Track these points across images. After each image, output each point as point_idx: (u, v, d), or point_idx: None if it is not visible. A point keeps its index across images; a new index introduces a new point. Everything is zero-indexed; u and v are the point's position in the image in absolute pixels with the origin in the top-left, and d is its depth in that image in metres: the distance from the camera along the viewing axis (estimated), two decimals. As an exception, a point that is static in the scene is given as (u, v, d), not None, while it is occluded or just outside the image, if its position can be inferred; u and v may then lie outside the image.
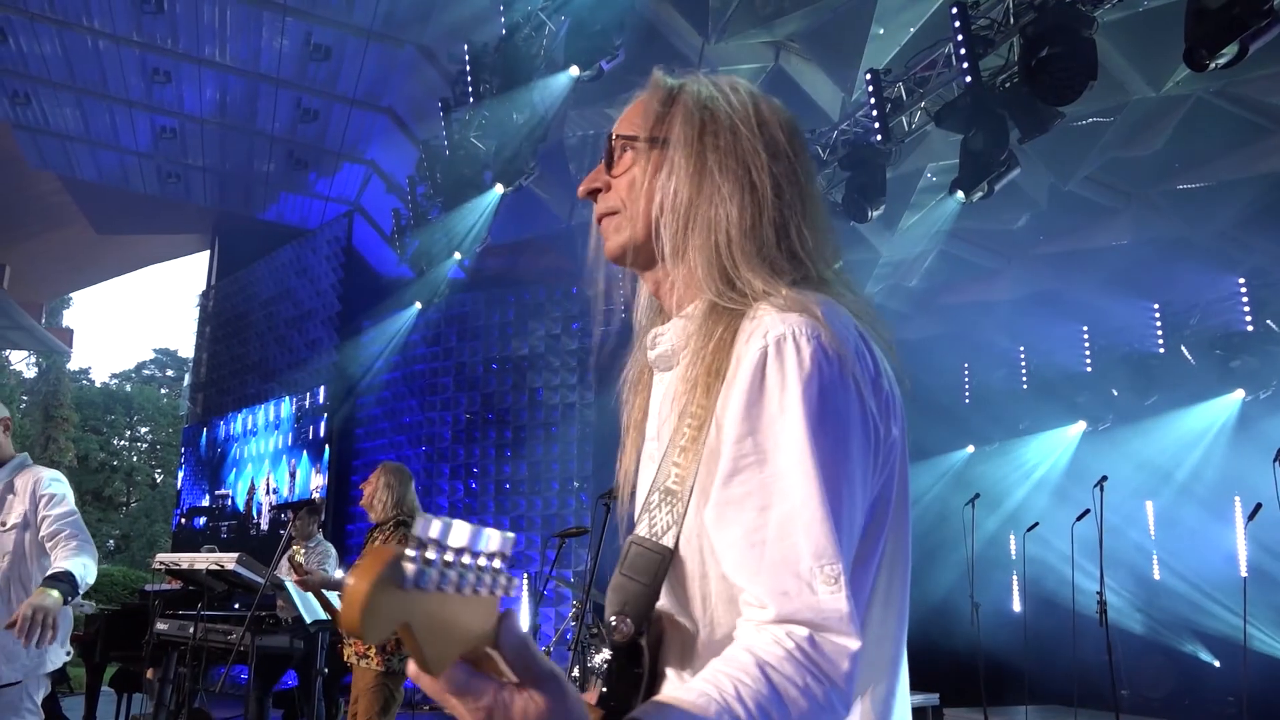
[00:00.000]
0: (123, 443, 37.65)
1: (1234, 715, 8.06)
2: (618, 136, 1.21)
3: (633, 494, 1.22)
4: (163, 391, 39.86)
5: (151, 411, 37.74)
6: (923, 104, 6.56)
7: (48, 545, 3.15)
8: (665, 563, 1.04)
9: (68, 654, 3.21)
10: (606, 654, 5.17)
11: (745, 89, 1.22)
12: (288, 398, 13.42)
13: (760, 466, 0.98)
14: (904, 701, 1.09)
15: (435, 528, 0.75)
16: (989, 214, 8.13)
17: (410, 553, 0.72)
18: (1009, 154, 5.85)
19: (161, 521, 33.84)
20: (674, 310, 1.20)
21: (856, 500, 0.99)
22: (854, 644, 0.93)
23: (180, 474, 16.26)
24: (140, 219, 15.61)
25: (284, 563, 6.08)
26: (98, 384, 39.49)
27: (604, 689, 1.06)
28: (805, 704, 0.89)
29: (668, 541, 1.04)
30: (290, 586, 5.79)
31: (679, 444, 1.05)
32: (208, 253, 16.87)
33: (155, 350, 45.51)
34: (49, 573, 3.01)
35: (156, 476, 37.25)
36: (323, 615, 6.08)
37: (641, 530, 1.07)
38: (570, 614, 6.58)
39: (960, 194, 6.01)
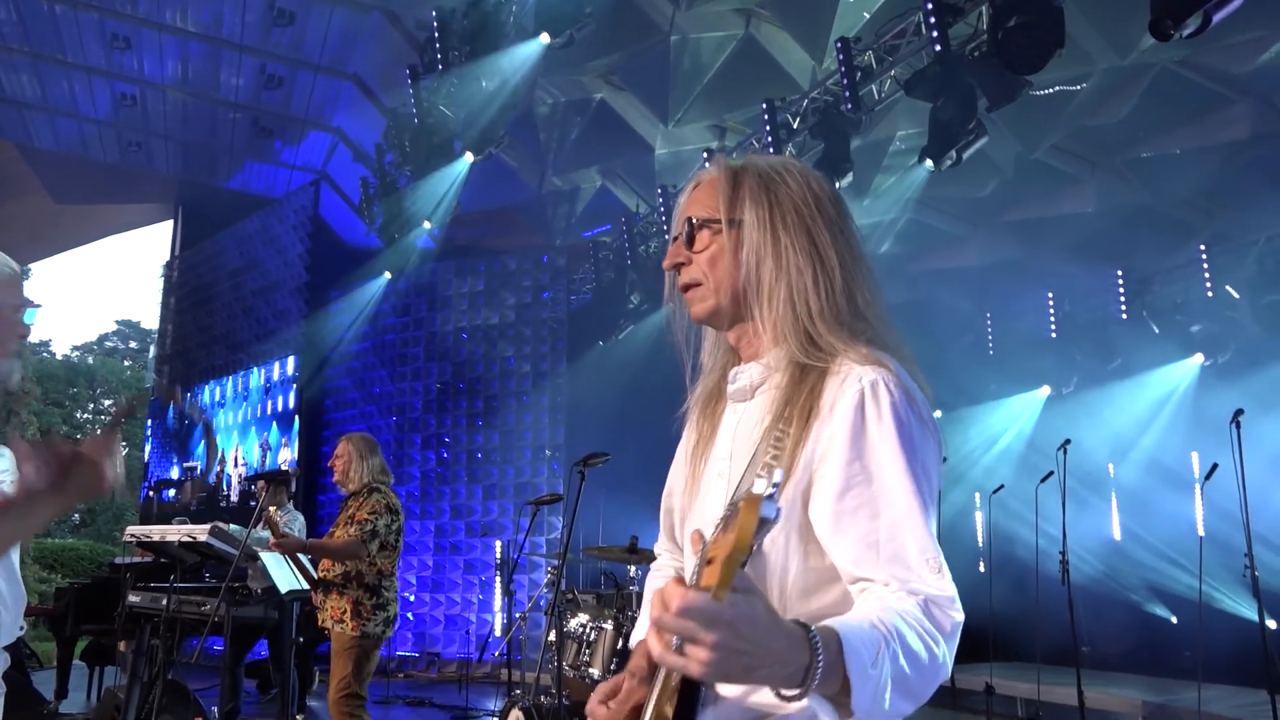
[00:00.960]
0: (86, 416, 37.14)
1: (1189, 669, 8.29)
2: (697, 220, 1.41)
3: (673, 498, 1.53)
4: (126, 364, 39.31)
5: (115, 384, 37.21)
6: (892, 72, 6.59)
7: None
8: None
9: (21, 629, 3.17)
10: (583, 619, 5.25)
11: (796, 168, 1.42)
12: (256, 369, 13.31)
13: (868, 484, 1.21)
14: None
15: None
16: (956, 181, 8.21)
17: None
18: (977, 123, 5.90)
19: (128, 494, 33.50)
20: (751, 358, 1.42)
21: (935, 509, 1.25)
22: (959, 616, 1.18)
23: (147, 446, 16.12)
24: (100, 188, 15.30)
25: (256, 533, 6.08)
26: (59, 356, 38.86)
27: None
28: (927, 644, 1.12)
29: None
30: (265, 556, 5.79)
31: (763, 460, 1.27)
32: (171, 222, 16.58)
33: (117, 322, 44.78)
34: None
35: (120, 449, 36.79)
36: (297, 585, 6.10)
37: None
38: (545, 581, 6.65)
39: (929, 163, 6.06)
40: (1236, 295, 8.54)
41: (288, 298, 13.06)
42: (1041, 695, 6.21)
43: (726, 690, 1.28)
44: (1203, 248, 8.68)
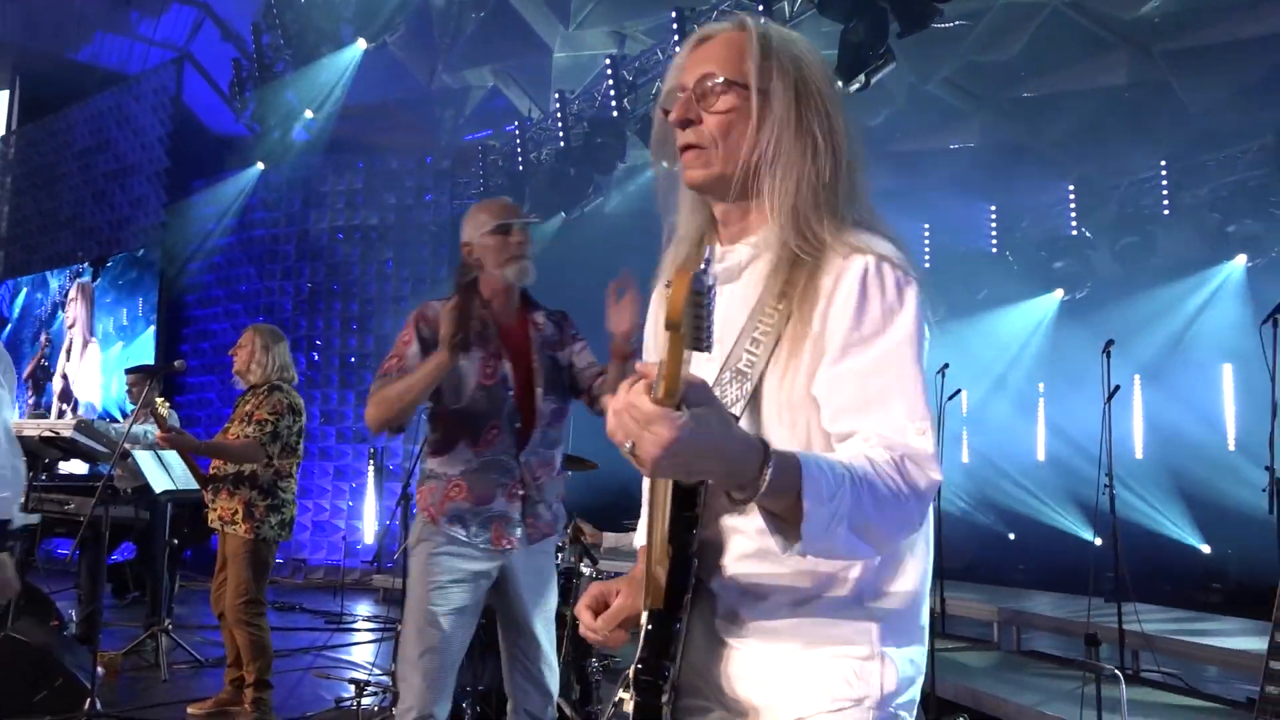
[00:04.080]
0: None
1: (1022, 581, 8.97)
2: (723, 79, 1.31)
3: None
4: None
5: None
6: (805, -10, 6.56)
7: None
8: None
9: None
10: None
11: (810, 46, 1.37)
12: (110, 259, 12.43)
13: (864, 349, 1.21)
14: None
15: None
16: (850, 108, 8.29)
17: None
18: (887, 48, 5.97)
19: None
20: (736, 235, 1.38)
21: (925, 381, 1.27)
22: (936, 476, 1.17)
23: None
24: (-78, 49, 13.80)
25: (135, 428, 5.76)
26: None
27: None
28: (893, 492, 1.13)
29: (737, 411, 1.25)
30: (138, 454, 5.50)
31: (752, 335, 1.27)
32: (6, 94, 15.13)
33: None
34: None
35: None
36: (172, 485, 5.83)
37: None
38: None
39: (839, 83, 6.10)
40: (1092, 237, 9.07)
41: (145, 184, 12.18)
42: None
43: (727, 558, 1.29)
44: (1071, 188, 9.14)
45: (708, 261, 0.94)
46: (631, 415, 0.98)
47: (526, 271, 2.83)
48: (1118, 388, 5.27)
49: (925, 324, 1.25)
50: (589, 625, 1.37)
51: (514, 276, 2.82)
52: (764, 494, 1.05)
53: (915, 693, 1.30)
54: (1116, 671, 3.53)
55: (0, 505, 2.89)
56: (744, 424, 1.23)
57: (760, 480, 1.04)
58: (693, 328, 0.93)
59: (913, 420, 1.18)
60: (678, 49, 6.52)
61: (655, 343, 1.49)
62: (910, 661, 1.28)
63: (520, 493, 2.80)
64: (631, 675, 1.25)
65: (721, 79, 1.30)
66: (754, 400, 1.26)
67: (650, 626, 1.24)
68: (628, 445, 0.99)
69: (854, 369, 1.20)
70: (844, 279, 1.23)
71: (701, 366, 1.30)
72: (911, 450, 1.16)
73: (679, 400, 0.97)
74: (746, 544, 1.27)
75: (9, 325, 13.83)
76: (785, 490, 1.05)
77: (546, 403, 2.86)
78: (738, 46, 1.32)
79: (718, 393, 1.25)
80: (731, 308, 1.32)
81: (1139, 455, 9.22)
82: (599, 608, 1.39)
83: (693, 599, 1.25)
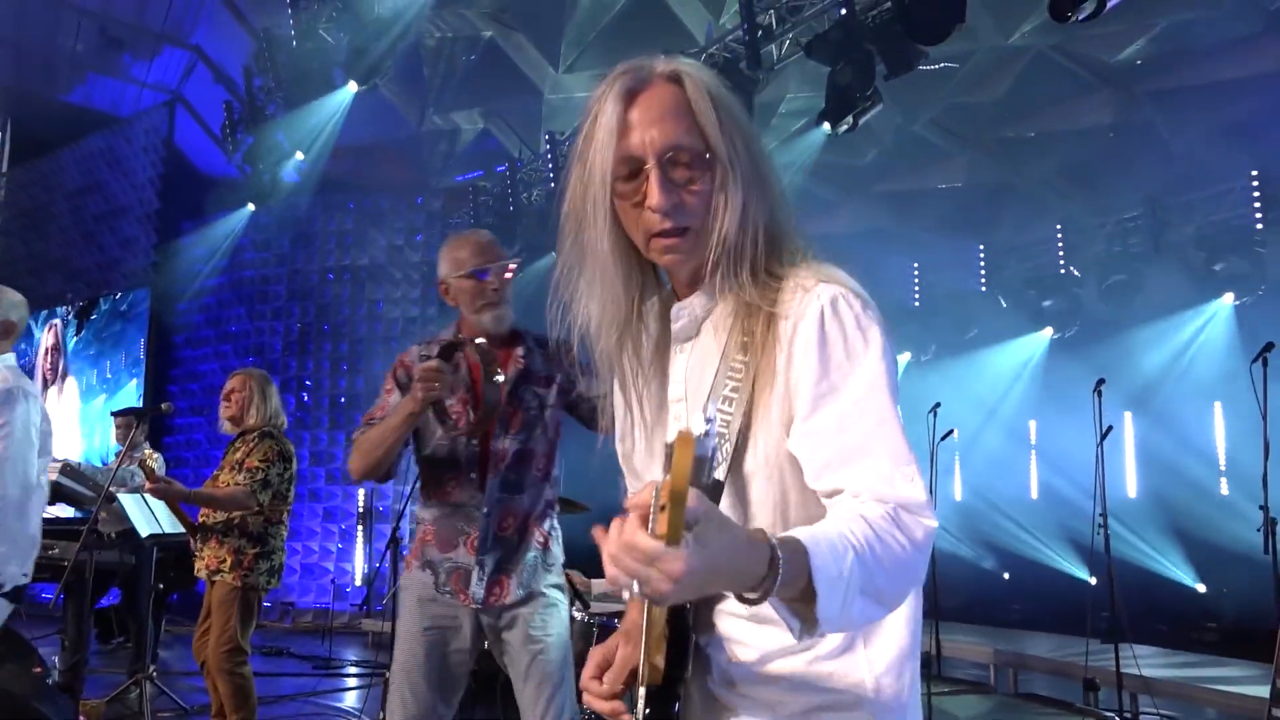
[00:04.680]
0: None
1: (1018, 621, 8.91)
2: (698, 153, 1.21)
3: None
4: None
5: (-82, 311, 33.99)
6: (792, 33, 6.64)
7: None
8: (718, 491, 1.22)
9: (25, 575, 2.96)
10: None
11: (714, 75, 1.29)
12: (99, 300, 12.39)
13: (835, 399, 1.16)
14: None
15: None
16: (837, 149, 8.40)
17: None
18: (874, 90, 6.03)
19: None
20: (689, 285, 1.30)
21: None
22: (931, 523, 1.12)
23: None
24: (-87, 90, 13.82)
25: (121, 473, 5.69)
26: None
27: None
28: (896, 551, 1.08)
29: (719, 475, 1.21)
30: (124, 498, 5.44)
31: (722, 393, 1.21)
32: (-2, 135, 15.16)
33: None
34: None
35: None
36: (158, 529, 5.75)
37: None
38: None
39: (826, 126, 6.16)
40: (1080, 275, 9.13)
41: (135, 225, 12.17)
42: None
43: (718, 616, 1.27)
44: (1059, 227, 9.21)
45: (709, 422, 0.95)
46: (632, 558, 0.92)
47: (503, 319, 2.74)
48: (1110, 429, 5.27)
49: (891, 355, 1.20)
50: (598, 693, 1.31)
51: (489, 324, 2.72)
52: (778, 590, 1.00)
53: None
54: (1116, 717, 3.47)
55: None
56: (728, 486, 1.21)
57: (772, 578, 0.99)
58: (696, 483, 0.91)
59: (899, 466, 1.13)
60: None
61: (633, 420, 1.39)
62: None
63: (482, 547, 2.67)
64: None
65: (695, 153, 1.20)
66: (735, 460, 1.22)
67: (649, 709, 1.21)
68: (634, 587, 0.94)
69: (829, 423, 1.15)
70: (801, 325, 1.18)
71: (671, 433, 1.30)
72: (903, 500, 1.11)
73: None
74: (737, 605, 1.23)
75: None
76: (795, 579, 1.01)
77: (511, 442, 2.70)
78: (683, 105, 1.21)
79: None
80: (698, 364, 1.29)
81: (1131, 494, 9.21)
82: (605, 670, 1.34)
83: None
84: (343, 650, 8.46)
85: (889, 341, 1.20)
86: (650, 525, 0.93)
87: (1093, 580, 7.16)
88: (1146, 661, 5.57)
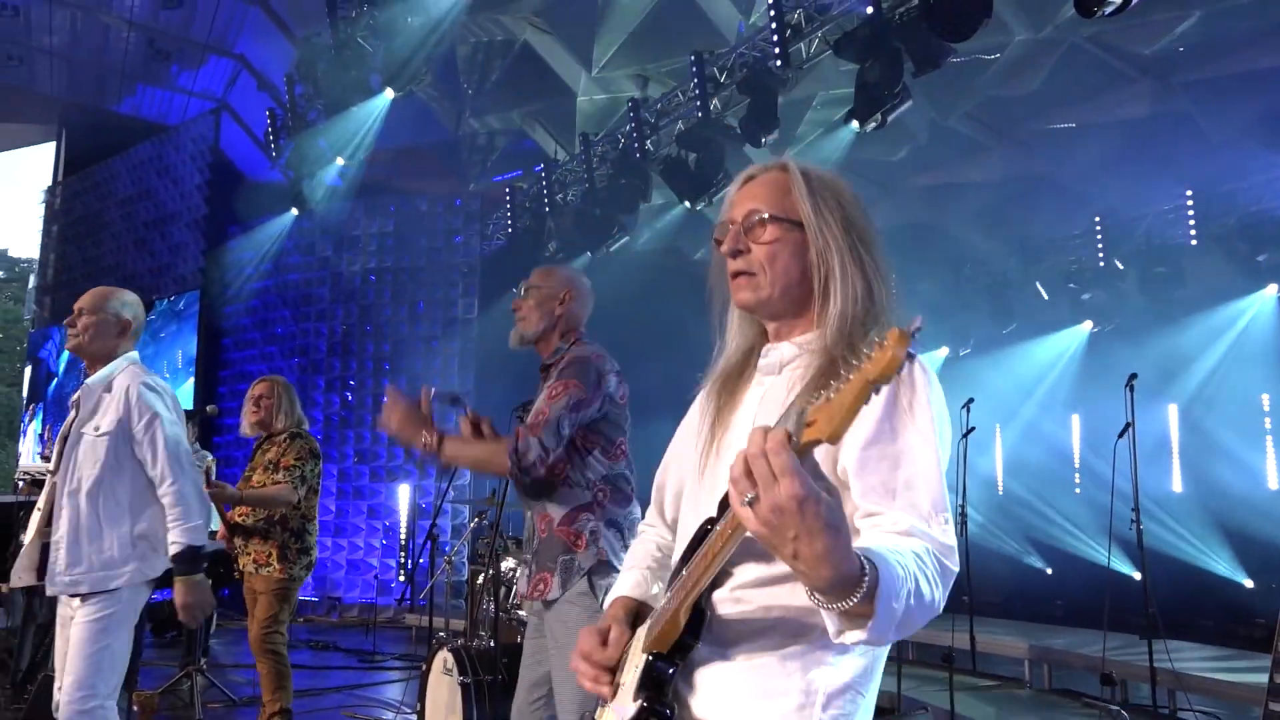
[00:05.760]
0: (-52, 346, 34.90)
1: (1062, 617, 8.83)
2: (768, 214, 1.48)
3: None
4: (-9, 293, 36.98)
5: (-19, 314, 35.02)
6: (821, 32, 6.67)
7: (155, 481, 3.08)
8: None
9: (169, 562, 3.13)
10: (510, 563, 5.28)
11: (843, 180, 1.53)
12: (155, 302, 12.75)
13: (894, 441, 1.32)
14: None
15: None
16: (871, 144, 8.39)
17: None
18: (902, 87, 6.04)
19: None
20: (783, 338, 1.52)
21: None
22: (956, 567, 1.27)
23: (26, 382, 15.30)
24: (-27, 104, 14.33)
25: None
26: (-84, 283, 36.28)
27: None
28: (929, 589, 1.20)
29: None
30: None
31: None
32: (53, 145, 15.63)
33: (-18, 249, 41.81)
34: (171, 554, 3.02)
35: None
36: (211, 527, 5.96)
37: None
38: (471, 525, 6.66)
39: (855, 124, 6.19)
40: (1122, 267, 9.02)
41: (184, 231, 12.51)
42: (944, 640, 6.55)
43: (732, 617, 1.36)
44: (1096, 219, 9.11)
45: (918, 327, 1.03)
46: (770, 462, 1.03)
47: (515, 337, 3.00)
48: (1130, 425, 5.24)
49: (945, 423, 1.37)
50: (598, 658, 1.43)
51: (512, 341, 3.00)
52: (859, 601, 1.08)
53: None
54: (1122, 710, 3.49)
55: (195, 534, 3.02)
56: None
57: (859, 589, 1.08)
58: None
59: (937, 512, 1.28)
60: (696, 90, 6.62)
61: (693, 441, 1.56)
62: (852, 703, 1.36)
63: (527, 546, 2.90)
64: (633, 715, 1.33)
65: (767, 214, 1.47)
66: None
67: (648, 667, 1.33)
68: (748, 496, 1.05)
69: (884, 455, 1.30)
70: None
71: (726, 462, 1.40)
72: (939, 544, 1.25)
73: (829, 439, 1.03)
74: (726, 581, 1.36)
75: (55, 379, 14.16)
76: (867, 602, 1.09)
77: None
78: (781, 185, 1.49)
79: None
80: (772, 396, 1.46)
81: (1177, 488, 9.08)
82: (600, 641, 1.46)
83: None
84: (386, 644, 8.65)
85: (945, 410, 1.38)
86: (794, 437, 1.03)
87: (1137, 575, 7.10)
88: (1189, 655, 5.54)
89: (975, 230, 9.84)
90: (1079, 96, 8.32)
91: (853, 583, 1.07)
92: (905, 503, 1.28)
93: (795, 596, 1.27)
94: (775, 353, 1.50)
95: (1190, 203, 8.29)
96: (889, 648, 1.37)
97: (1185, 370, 8.68)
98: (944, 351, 10.45)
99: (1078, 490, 10.07)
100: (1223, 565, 8.57)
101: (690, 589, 1.29)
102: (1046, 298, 9.63)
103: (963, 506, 6.54)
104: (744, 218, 1.49)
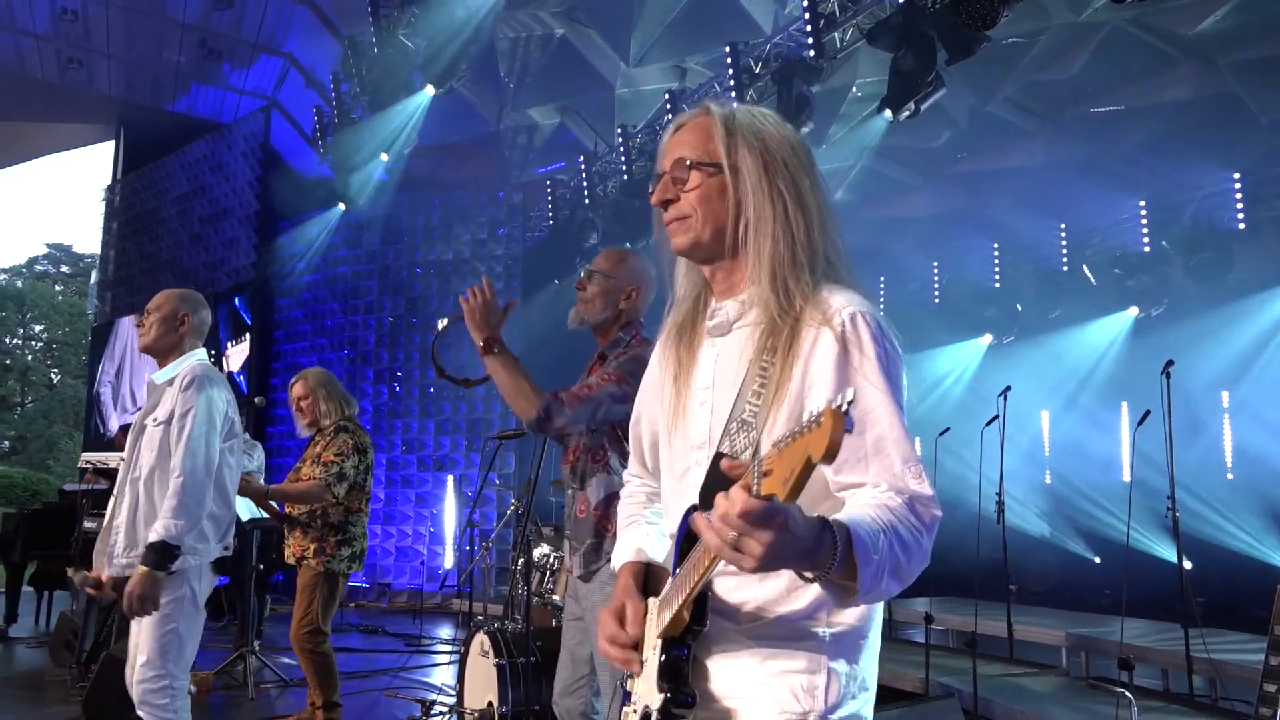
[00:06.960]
0: (15, 341, 36.11)
1: (1109, 605, 8.74)
2: (691, 160, 1.51)
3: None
4: (57, 289, 38.16)
5: (46, 309, 36.17)
6: (855, 21, 6.67)
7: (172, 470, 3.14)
8: None
9: (225, 549, 3.26)
10: (545, 549, 5.41)
11: (774, 117, 1.55)
12: (209, 298, 13.12)
13: (854, 405, 1.30)
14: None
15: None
16: (911, 131, 8.34)
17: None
18: (936, 75, 6.02)
19: (60, 423, 32.80)
20: (725, 293, 1.55)
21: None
22: (938, 512, 1.33)
23: (92, 373, 15.80)
24: (37, 106, 14.77)
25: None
26: (-13, 279, 37.58)
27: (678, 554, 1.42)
28: (911, 536, 1.26)
29: (745, 458, 1.36)
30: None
31: (752, 388, 1.41)
32: (112, 144, 16.10)
33: (48, 245, 43.03)
34: (148, 540, 3.03)
35: (54, 376, 35.94)
36: (257, 513, 6.18)
37: (724, 448, 1.42)
38: (510, 511, 6.80)
39: (888, 113, 6.19)
40: (1170, 250, 8.86)
41: (237, 226, 12.84)
42: (977, 627, 6.57)
43: (732, 595, 1.43)
44: (1141, 204, 8.97)
45: (850, 404, 1.05)
46: (739, 525, 1.05)
47: (575, 317, 3.02)
48: (1148, 413, 5.22)
49: (900, 368, 1.40)
50: (622, 640, 1.47)
51: (571, 320, 3.03)
52: (832, 574, 1.16)
53: (860, 706, 1.42)
54: (1128, 694, 3.50)
55: (176, 531, 3.01)
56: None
57: (831, 564, 1.15)
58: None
59: (908, 466, 1.32)
60: (731, 81, 6.66)
61: (657, 395, 1.62)
62: (851, 678, 1.40)
63: (568, 526, 3.00)
64: (659, 706, 1.38)
65: (689, 160, 1.50)
66: (759, 448, 1.37)
67: (665, 655, 1.38)
68: (729, 549, 1.09)
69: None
70: (822, 338, 1.39)
71: (708, 417, 1.50)
72: (914, 493, 1.31)
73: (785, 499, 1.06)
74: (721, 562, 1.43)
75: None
76: (846, 563, 1.17)
77: (578, 437, 3.00)
78: (704, 130, 1.52)
79: (726, 444, 1.42)
80: (726, 360, 1.50)
81: (1230, 476, 8.93)
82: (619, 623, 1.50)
83: None
84: (433, 629, 8.86)
85: (900, 356, 1.41)
86: (754, 488, 1.07)
87: (1187, 565, 7.02)
88: (1227, 646, 5.50)
89: (1019, 215, 9.73)
90: (1122, 79, 8.19)
91: (827, 552, 1.14)
92: (879, 468, 1.32)
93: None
94: (721, 313, 1.52)
95: (1238, 186, 8.13)
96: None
97: (1234, 356, 8.52)
98: (988, 339, 10.34)
99: (1126, 479, 9.93)
100: (1274, 555, 8.42)
101: (690, 588, 1.33)
102: (1094, 283, 9.49)
103: (999, 496, 6.53)
104: (672, 166, 1.52)
